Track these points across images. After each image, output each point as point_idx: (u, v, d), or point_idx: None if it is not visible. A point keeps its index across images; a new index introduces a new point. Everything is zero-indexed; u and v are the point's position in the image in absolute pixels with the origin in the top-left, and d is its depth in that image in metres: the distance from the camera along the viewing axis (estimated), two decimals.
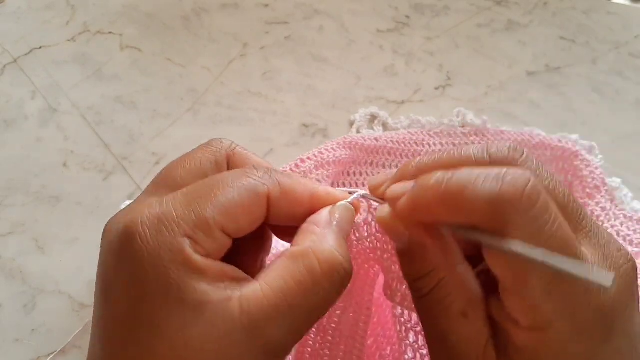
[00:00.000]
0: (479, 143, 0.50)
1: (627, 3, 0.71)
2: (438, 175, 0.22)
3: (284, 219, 0.26)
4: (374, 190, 0.27)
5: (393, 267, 0.27)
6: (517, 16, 0.65)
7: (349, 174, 0.47)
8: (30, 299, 0.43)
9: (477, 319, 0.24)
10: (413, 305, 0.26)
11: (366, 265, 0.30)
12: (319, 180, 0.42)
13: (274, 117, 0.54)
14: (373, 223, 0.28)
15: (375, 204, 0.27)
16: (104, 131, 0.52)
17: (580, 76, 0.60)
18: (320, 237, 0.24)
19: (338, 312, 0.31)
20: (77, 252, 0.45)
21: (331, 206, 0.26)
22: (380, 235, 0.28)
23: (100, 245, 0.24)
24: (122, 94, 0.55)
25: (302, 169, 0.42)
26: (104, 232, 0.24)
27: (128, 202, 0.43)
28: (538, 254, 0.20)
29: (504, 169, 0.21)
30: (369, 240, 0.28)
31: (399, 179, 0.26)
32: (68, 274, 0.44)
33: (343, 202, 0.27)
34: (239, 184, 0.24)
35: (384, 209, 0.25)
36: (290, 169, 0.43)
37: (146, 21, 0.61)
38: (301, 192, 0.26)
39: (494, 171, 0.21)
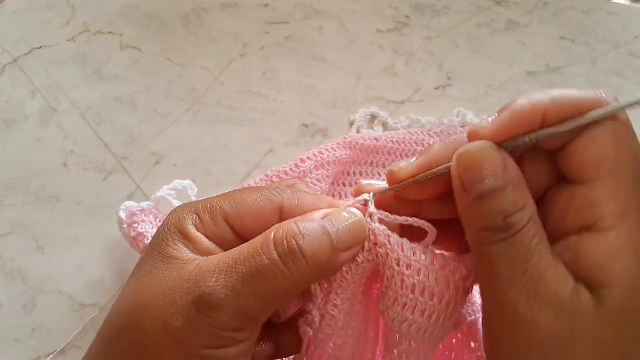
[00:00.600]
0: None
1: (627, 3, 0.71)
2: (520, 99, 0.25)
3: None
4: (396, 173, 0.27)
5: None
6: (517, 16, 0.65)
7: (349, 174, 0.47)
8: (30, 299, 0.43)
9: (560, 261, 0.23)
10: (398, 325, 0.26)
11: (379, 285, 0.30)
12: (318, 180, 0.42)
13: (274, 117, 0.54)
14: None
15: (378, 214, 0.27)
16: (104, 131, 0.52)
17: (580, 76, 0.60)
18: (298, 219, 0.26)
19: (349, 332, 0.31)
20: (77, 252, 0.45)
21: (334, 209, 0.27)
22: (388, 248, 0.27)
23: None
24: (122, 94, 0.55)
25: (302, 169, 0.42)
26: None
27: (128, 203, 0.43)
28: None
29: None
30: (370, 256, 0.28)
31: (425, 153, 0.27)
32: (68, 274, 0.44)
33: (348, 212, 0.27)
34: (258, 190, 0.28)
35: (481, 143, 0.25)
36: (290, 169, 0.43)
37: (146, 21, 0.61)
38: (318, 204, 0.27)
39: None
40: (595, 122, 0.23)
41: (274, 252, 0.24)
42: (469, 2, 0.65)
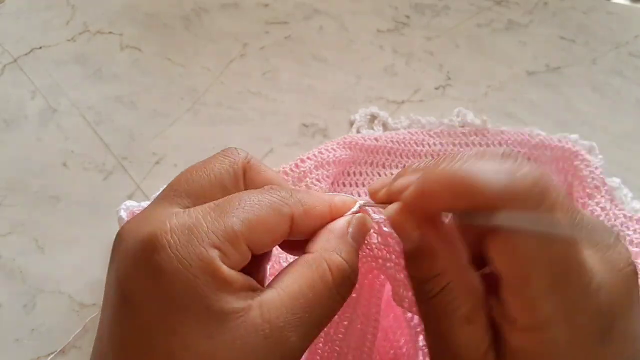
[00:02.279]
0: (479, 143, 0.50)
1: (627, 3, 0.71)
2: (446, 163, 0.22)
3: (305, 234, 0.27)
4: (374, 193, 0.28)
5: (397, 275, 0.27)
6: (517, 16, 0.65)
7: (349, 174, 0.47)
8: (30, 298, 0.43)
9: (480, 325, 0.24)
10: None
11: (370, 275, 0.30)
12: (318, 180, 0.42)
13: (274, 117, 0.54)
14: (374, 233, 0.28)
15: (376, 216, 0.27)
16: (104, 131, 0.52)
17: (580, 76, 0.59)
18: (334, 246, 0.26)
19: (345, 322, 0.31)
20: (77, 252, 0.45)
21: (349, 217, 0.27)
22: (383, 245, 0.28)
23: (113, 252, 0.24)
24: (122, 94, 0.55)
25: (302, 169, 0.42)
26: (118, 240, 0.24)
27: (129, 202, 0.42)
28: (543, 224, 0.20)
29: (516, 165, 0.22)
30: (369, 248, 0.28)
31: (398, 179, 0.27)
32: (68, 274, 0.44)
33: (360, 216, 0.27)
34: (266, 203, 0.25)
35: (393, 206, 0.25)
36: (290, 169, 0.43)
37: (146, 21, 0.61)
38: (321, 208, 0.27)
39: (506, 164, 0.22)
40: (492, 233, 0.22)
41: (337, 294, 0.25)
42: (469, 2, 0.65)
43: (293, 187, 0.28)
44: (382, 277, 0.30)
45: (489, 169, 0.21)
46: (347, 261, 0.25)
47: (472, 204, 0.21)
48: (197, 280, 0.21)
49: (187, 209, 0.24)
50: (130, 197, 0.48)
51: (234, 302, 0.22)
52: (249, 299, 0.22)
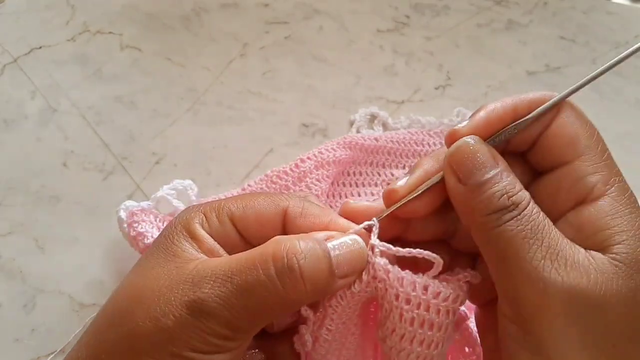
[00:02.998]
0: None
1: (627, 3, 0.70)
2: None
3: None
4: (396, 191, 0.28)
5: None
6: (517, 16, 0.65)
7: (348, 174, 0.47)
8: (30, 298, 0.43)
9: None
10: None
11: (365, 303, 0.30)
12: (318, 180, 0.42)
13: (274, 117, 0.54)
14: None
15: (381, 246, 0.27)
16: (104, 131, 0.52)
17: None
18: (300, 236, 0.26)
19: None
20: (77, 252, 0.45)
21: (338, 232, 0.27)
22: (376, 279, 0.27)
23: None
24: (122, 94, 0.55)
25: (302, 169, 0.42)
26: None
27: (128, 203, 0.42)
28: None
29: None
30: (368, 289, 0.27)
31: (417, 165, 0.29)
32: (68, 274, 0.44)
33: (351, 236, 0.27)
34: (266, 194, 0.29)
35: (467, 138, 0.26)
36: (290, 169, 0.43)
37: (146, 21, 0.61)
38: (320, 218, 0.28)
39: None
40: (557, 111, 0.27)
41: (272, 267, 0.24)
42: (469, 2, 0.65)
43: (313, 202, 0.29)
44: (374, 303, 0.30)
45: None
46: (303, 252, 0.25)
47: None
48: (174, 229, 0.27)
49: None
50: (130, 197, 0.48)
51: (188, 252, 0.26)
52: (203, 257, 0.26)
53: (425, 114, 0.53)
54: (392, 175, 0.48)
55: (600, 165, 0.26)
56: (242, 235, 0.28)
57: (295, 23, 0.62)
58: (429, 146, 0.49)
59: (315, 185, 0.42)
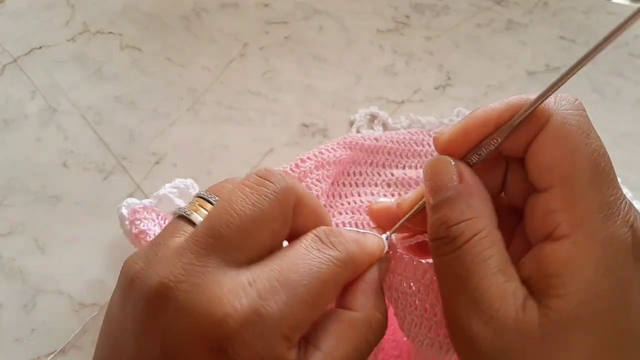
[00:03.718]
0: None
1: (627, 3, 0.70)
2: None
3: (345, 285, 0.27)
4: (440, 138, 0.27)
5: (408, 307, 0.27)
6: (517, 16, 0.65)
7: (349, 174, 0.47)
8: (30, 298, 0.43)
9: (513, 275, 0.23)
10: (421, 342, 0.27)
11: None
12: (318, 181, 0.42)
13: (274, 117, 0.54)
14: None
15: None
16: (104, 131, 0.52)
17: (580, 76, 0.59)
18: (373, 304, 0.25)
19: None
20: (77, 252, 0.45)
21: (377, 265, 0.27)
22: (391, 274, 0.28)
23: (157, 313, 0.21)
24: (122, 94, 0.55)
25: (302, 169, 0.42)
26: (163, 300, 0.21)
27: (130, 200, 0.42)
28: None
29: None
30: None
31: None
32: (68, 274, 0.44)
33: (385, 257, 0.27)
34: (327, 275, 0.23)
35: (436, 157, 0.26)
36: (291, 169, 0.42)
37: (146, 21, 0.61)
38: (362, 260, 0.26)
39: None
40: (544, 123, 0.24)
41: (375, 345, 0.25)
42: (469, 2, 0.65)
43: (337, 228, 0.27)
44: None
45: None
46: (383, 315, 0.25)
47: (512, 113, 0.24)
48: None
49: (250, 280, 0.22)
50: (130, 197, 0.48)
51: None
52: None
53: (425, 114, 0.53)
54: (392, 175, 0.48)
55: (573, 201, 0.23)
56: None
57: (295, 23, 0.62)
58: (429, 146, 0.49)
59: (316, 186, 0.42)
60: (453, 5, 0.65)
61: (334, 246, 0.24)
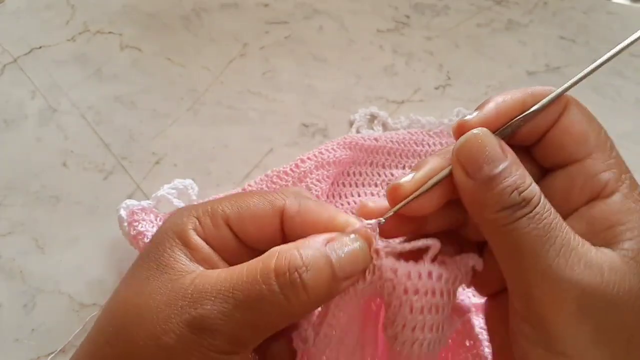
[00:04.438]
0: None
1: (627, 3, 0.70)
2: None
3: (299, 237, 0.26)
4: (398, 188, 0.27)
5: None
6: (517, 16, 0.65)
7: (348, 174, 0.47)
8: (30, 298, 0.43)
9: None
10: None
11: (367, 298, 0.30)
12: (318, 181, 0.42)
13: (274, 116, 0.54)
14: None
15: (381, 243, 0.27)
16: (104, 131, 0.52)
17: None
18: (300, 245, 0.25)
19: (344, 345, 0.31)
20: (77, 252, 0.45)
21: (337, 233, 0.26)
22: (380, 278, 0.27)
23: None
24: (122, 94, 0.55)
25: (302, 169, 0.42)
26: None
27: (129, 202, 0.42)
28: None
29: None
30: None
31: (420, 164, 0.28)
32: (68, 274, 0.44)
33: (351, 236, 0.26)
34: (260, 194, 0.27)
35: (475, 131, 0.26)
36: (291, 169, 0.43)
37: (146, 21, 0.61)
38: (318, 215, 0.27)
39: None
40: (565, 108, 0.28)
41: (275, 282, 0.24)
42: (469, 1, 0.65)
43: (308, 197, 0.28)
44: (378, 300, 0.30)
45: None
46: (305, 264, 0.24)
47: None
48: (165, 236, 0.26)
49: None
50: (130, 197, 0.48)
51: (182, 262, 0.25)
52: (198, 267, 0.25)
53: (425, 114, 0.53)
54: (392, 175, 0.48)
55: (611, 163, 0.26)
56: (238, 237, 0.27)
57: (295, 23, 0.62)
58: (429, 146, 0.49)
59: (316, 186, 0.42)
60: (453, 5, 0.65)
61: (285, 191, 0.28)
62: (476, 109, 0.27)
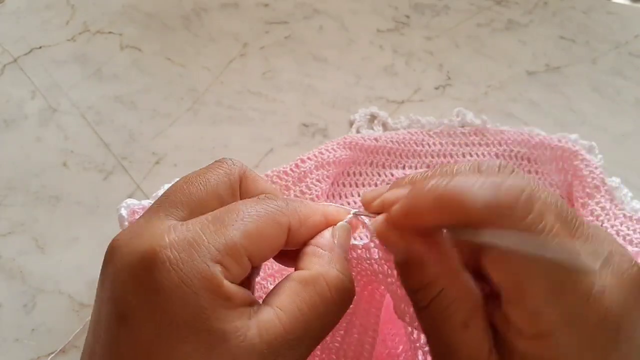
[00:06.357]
0: (479, 143, 0.50)
1: (627, 3, 0.70)
2: (434, 180, 0.22)
3: (299, 244, 0.27)
4: (367, 203, 0.28)
5: (398, 290, 0.27)
6: (517, 16, 0.65)
7: (348, 174, 0.47)
8: (30, 298, 0.43)
9: (478, 328, 0.23)
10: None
11: (370, 287, 0.30)
12: (318, 181, 0.42)
13: (274, 116, 0.54)
14: (373, 247, 0.28)
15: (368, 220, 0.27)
16: (104, 131, 0.52)
17: (580, 76, 0.60)
18: (327, 261, 0.25)
19: (341, 332, 0.31)
20: (77, 252, 0.45)
21: (332, 228, 0.27)
22: (383, 260, 0.27)
23: (106, 266, 0.23)
24: (122, 94, 0.55)
25: (302, 170, 0.42)
26: (112, 253, 0.23)
27: (129, 201, 0.42)
28: (532, 245, 0.20)
29: (500, 178, 0.22)
30: (368, 262, 0.28)
31: (392, 189, 0.27)
32: (68, 274, 0.44)
33: (342, 223, 0.27)
34: (264, 213, 0.25)
35: (379, 219, 0.25)
36: (291, 170, 0.43)
37: (146, 21, 0.61)
38: (315, 218, 0.27)
39: (490, 179, 0.21)
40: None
41: (336, 308, 0.25)
42: (469, 1, 0.65)
43: (287, 197, 0.28)
44: (382, 288, 0.30)
45: (473, 185, 0.21)
46: (342, 273, 0.25)
47: (459, 221, 0.21)
48: (198, 298, 0.21)
49: (184, 222, 0.24)
50: (130, 197, 0.48)
51: (234, 320, 0.22)
52: (247, 316, 0.22)
53: (425, 114, 0.53)
54: (392, 175, 0.48)
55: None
56: (251, 261, 0.25)
57: (295, 23, 0.62)
58: (429, 146, 0.49)
59: (316, 186, 0.42)
60: (453, 5, 0.65)
61: (274, 199, 0.26)
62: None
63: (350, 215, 0.28)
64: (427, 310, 0.24)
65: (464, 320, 0.23)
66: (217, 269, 0.22)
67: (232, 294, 0.22)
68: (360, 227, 0.28)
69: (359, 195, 0.46)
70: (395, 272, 0.27)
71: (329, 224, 0.28)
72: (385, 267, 0.27)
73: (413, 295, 0.24)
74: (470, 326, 0.23)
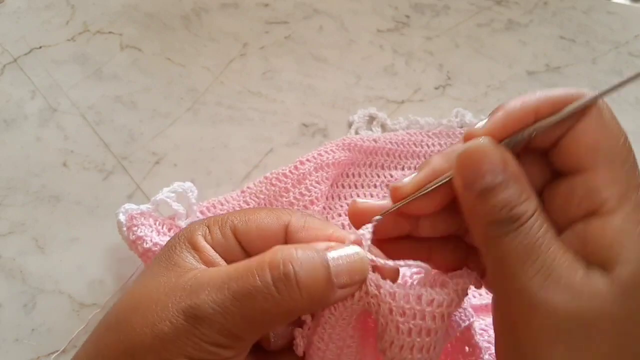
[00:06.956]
0: None
1: (627, 3, 0.70)
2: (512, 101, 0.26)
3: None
4: (400, 188, 0.27)
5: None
6: (517, 16, 0.65)
7: (348, 176, 0.47)
8: (30, 298, 0.43)
9: (568, 249, 0.24)
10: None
11: (372, 317, 0.30)
12: (317, 182, 0.42)
13: (274, 116, 0.54)
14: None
15: (370, 256, 0.27)
16: (104, 131, 0.52)
17: (580, 76, 0.59)
18: (299, 245, 0.26)
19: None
20: (77, 252, 0.45)
21: (337, 244, 0.27)
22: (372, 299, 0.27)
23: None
24: (122, 94, 0.55)
25: (301, 171, 0.42)
26: None
27: (127, 206, 0.42)
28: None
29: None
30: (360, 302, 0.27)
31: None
32: (68, 274, 0.44)
33: (352, 247, 0.27)
34: (269, 209, 0.29)
35: (481, 138, 0.25)
36: (290, 171, 0.43)
37: (146, 21, 0.61)
38: (322, 231, 0.28)
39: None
40: (583, 113, 0.25)
41: (268, 274, 0.24)
42: (469, 1, 0.65)
43: (316, 216, 0.29)
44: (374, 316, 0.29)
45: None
46: (300, 260, 0.25)
47: (549, 112, 0.25)
48: (177, 240, 0.28)
49: None
50: (130, 197, 0.48)
51: (188, 262, 0.27)
52: (201, 267, 0.27)
53: (425, 114, 0.53)
54: (391, 176, 0.48)
55: (617, 178, 0.25)
56: (244, 248, 0.28)
57: (295, 23, 0.62)
58: (428, 147, 0.49)
59: (315, 187, 0.42)
60: (453, 5, 0.65)
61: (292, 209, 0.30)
62: (489, 115, 0.27)
63: (351, 242, 0.27)
64: (526, 226, 0.24)
65: (556, 238, 0.24)
66: (201, 228, 0.28)
67: (200, 247, 0.27)
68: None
69: (358, 197, 0.46)
70: (386, 299, 0.26)
71: (334, 239, 0.28)
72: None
73: (513, 212, 0.24)
74: (562, 245, 0.24)
